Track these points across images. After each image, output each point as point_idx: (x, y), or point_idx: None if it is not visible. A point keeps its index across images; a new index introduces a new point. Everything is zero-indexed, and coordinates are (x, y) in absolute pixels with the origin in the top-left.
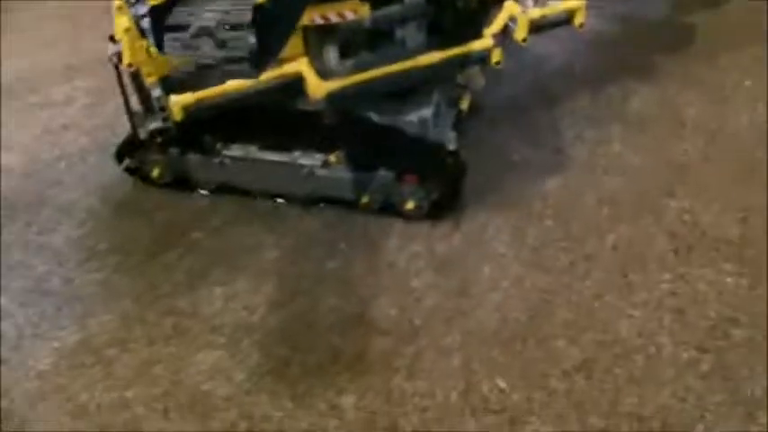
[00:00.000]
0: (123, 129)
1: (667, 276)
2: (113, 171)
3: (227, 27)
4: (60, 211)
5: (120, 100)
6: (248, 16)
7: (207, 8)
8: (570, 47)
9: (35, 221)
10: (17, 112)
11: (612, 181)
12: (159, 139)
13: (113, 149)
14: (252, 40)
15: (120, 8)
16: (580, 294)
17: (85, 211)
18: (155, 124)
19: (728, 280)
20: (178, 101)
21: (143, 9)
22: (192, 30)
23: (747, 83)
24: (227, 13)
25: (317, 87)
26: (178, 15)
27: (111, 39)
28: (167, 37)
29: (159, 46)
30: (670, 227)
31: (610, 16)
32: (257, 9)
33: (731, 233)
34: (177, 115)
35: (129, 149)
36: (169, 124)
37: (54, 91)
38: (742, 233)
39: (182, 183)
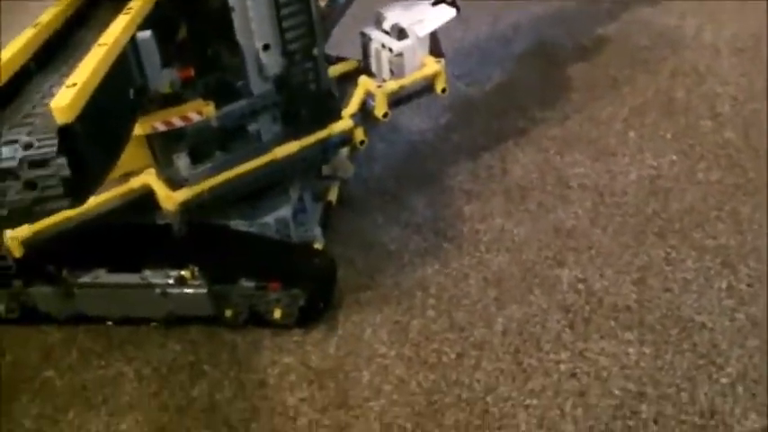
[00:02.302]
0: None
1: (565, 356)
2: None
3: (32, 164)
4: None
5: None
6: (54, 147)
7: (2, 143)
8: (441, 117)
9: None
10: None
11: (497, 259)
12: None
13: None
14: (65, 172)
15: None
16: (471, 390)
17: None
18: None
19: (630, 350)
20: (14, 236)
21: None
22: None
23: (632, 134)
24: (28, 146)
25: (169, 199)
26: None
27: None
28: None
29: None
30: (563, 300)
31: (478, 80)
32: (64, 134)
33: (628, 298)
34: (16, 252)
35: None
36: (8, 262)
37: None
38: (639, 296)
39: (30, 317)
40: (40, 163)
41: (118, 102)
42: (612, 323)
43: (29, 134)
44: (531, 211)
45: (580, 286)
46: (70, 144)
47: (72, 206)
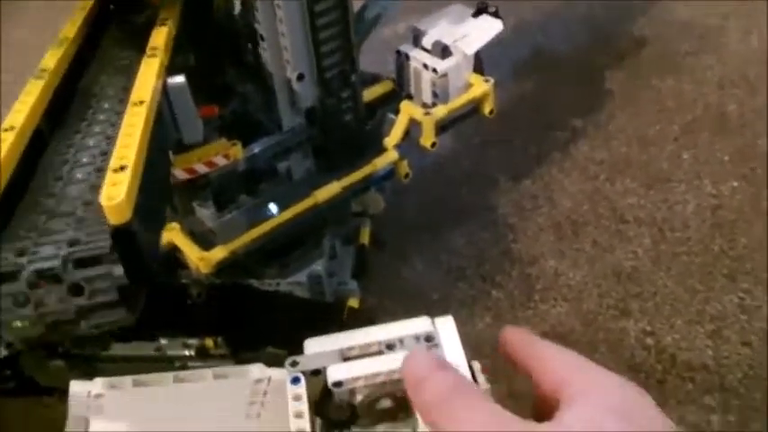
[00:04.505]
0: None
1: None
2: None
3: (78, 264)
4: None
5: None
6: (107, 241)
7: (42, 241)
8: (475, 138)
9: None
10: None
11: (554, 310)
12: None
13: None
14: (118, 272)
15: None
16: None
17: None
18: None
19: (713, 418)
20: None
21: None
22: (25, 275)
23: (686, 156)
24: (75, 243)
25: (202, 260)
26: None
27: None
28: None
29: None
30: (632, 358)
31: (510, 93)
32: (119, 235)
33: (704, 354)
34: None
35: None
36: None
37: None
38: (716, 353)
39: (33, 389)
40: (89, 260)
41: (160, 172)
42: (690, 386)
43: (75, 229)
44: (587, 252)
45: (649, 341)
46: (127, 245)
47: (127, 319)
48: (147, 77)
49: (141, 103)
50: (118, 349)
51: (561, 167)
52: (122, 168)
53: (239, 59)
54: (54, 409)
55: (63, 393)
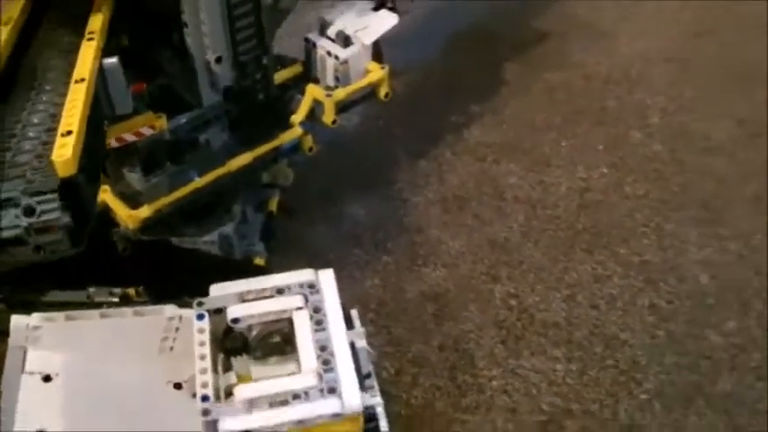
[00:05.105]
0: None
1: (498, 372)
2: None
3: (38, 231)
4: None
5: None
6: (57, 209)
7: (6, 180)
8: (381, 119)
9: None
10: None
11: (434, 273)
12: None
13: None
14: (68, 222)
15: None
16: (409, 406)
17: None
18: None
19: (558, 367)
20: None
21: None
22: None
23: (564, 143)
24: (30, 211)
25: (130, 217)
26: None
27: None
28: None
29: None
30: (497, 316)
31: (419, 74)
32: (66, 186)
33: (558, 315)
34: None
35: None
36: None
37: None
38: (568, 313)
39: None
40: (46, 230)
41: (97, 137)
42: (542, 340)
43: (25, 192)
44: (468, 224)
45: (513, 302)
46: (73, 196)
47: (75, 251)
48: (87, 58)
49: (82, 80)
50: (53, 296)
51: (454, 150)
52: (69, 133)
53: (167, 42)
54: None
55: (2, 334)
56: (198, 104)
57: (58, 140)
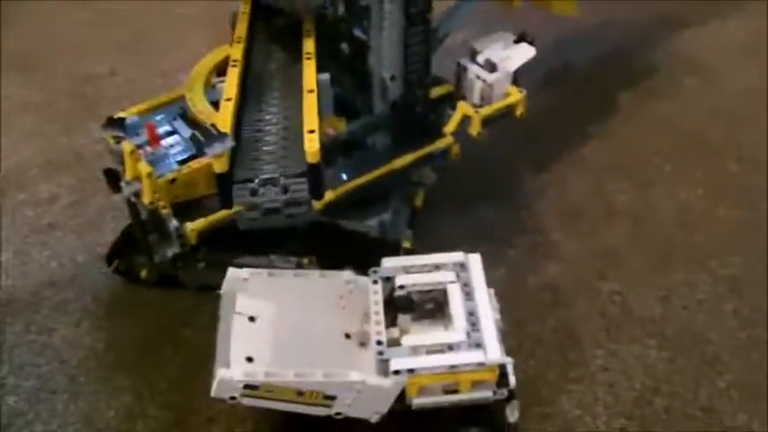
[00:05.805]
0: (108, 228)
1: (600, 353)
2: (102, 271)
3: (289, 204)
4: (57, 311)
5: (102, 200)
6: (305, 190)
7: (265, 164)
8: (508, 137)
9: (34, 321)
10: (6, 211)
11: (551, 268)
12: (180, 263)
13: (100, 249)
14: (308, 196)
15: (133, 152)
16: (525, 373)
17: (80, 310)
18: (173, 250)
19: (651, 353)
20: (194, 227)
21: (139, 140)
22: (258, 180)
23: (667, 168)
24: (285, 190)
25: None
26: (241, 173)
27: (113, 181)
28: (236, 188)
29: (226, 204)
30: (602, 308)
31: (538, 104)
32: (312, 170)
33: (654, 312)
34: (192, 239)
35: (118, 253)
36: (186, 249)
37: (40, 189)
38: (663, 312)
39: (168, 282)
40: (295, 203)
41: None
42: (639, 331)
43: (282, 174)
44: (581, 231)
45: (616, 298)
46: (316, 177)
47: (306, 215)
48: (310, 73)
49: (312, 91)
50: (243, 260)
51: (571, 166)
52: (312, 131)
53: (343, 61)
54: (183, 301)
55: (203, 288)
56: (369, 112)
57: (306, 136)
